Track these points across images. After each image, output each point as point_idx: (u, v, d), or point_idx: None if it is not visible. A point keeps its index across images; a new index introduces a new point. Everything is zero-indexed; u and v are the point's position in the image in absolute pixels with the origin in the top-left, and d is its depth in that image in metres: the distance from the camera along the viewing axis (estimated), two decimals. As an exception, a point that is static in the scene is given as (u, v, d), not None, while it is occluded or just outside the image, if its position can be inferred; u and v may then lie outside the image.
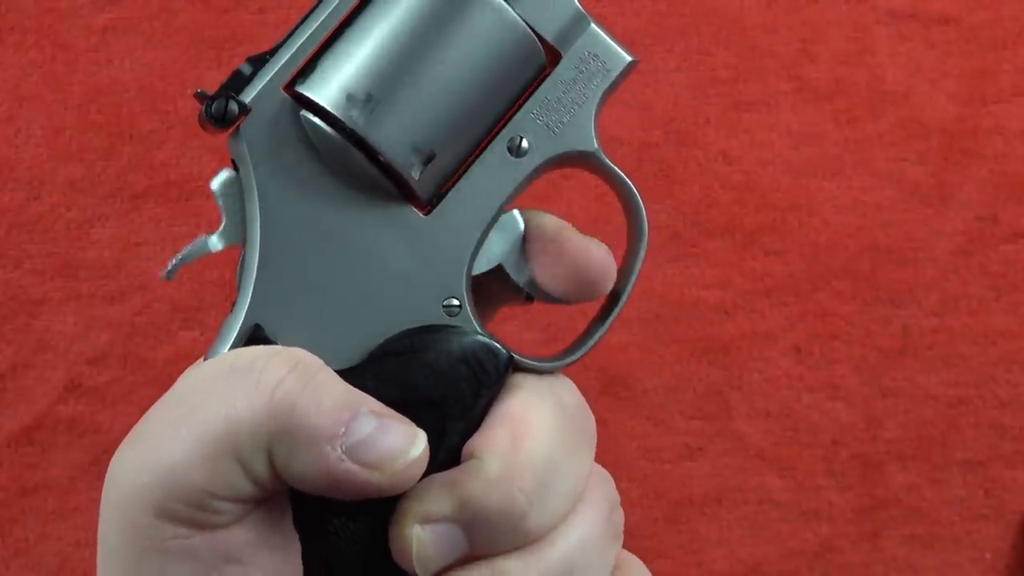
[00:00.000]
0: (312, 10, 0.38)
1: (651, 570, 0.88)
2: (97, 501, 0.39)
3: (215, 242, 0.38)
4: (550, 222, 0.42)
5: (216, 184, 0.38)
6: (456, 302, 0.39)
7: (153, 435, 0.36)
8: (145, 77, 0.88)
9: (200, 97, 0.37)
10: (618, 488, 0.86)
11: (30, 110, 0.88)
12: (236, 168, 0.38)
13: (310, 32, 0.37)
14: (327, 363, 0.37)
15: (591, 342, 0.42)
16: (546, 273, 0.41)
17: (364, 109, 0.37)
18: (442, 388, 0.38)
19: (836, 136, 0.87)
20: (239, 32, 0.88)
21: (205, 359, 0.38)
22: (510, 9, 0.38)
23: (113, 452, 0.37)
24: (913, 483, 0.85)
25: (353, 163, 0.37)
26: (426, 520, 0.37)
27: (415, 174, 0.38)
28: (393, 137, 0.37)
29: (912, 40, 0.88)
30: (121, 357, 0.85)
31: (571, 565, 0.38)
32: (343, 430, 0.35)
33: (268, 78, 0.37)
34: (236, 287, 0.38)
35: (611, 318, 0.42)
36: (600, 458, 0.86)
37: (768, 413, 0.85)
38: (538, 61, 0.39)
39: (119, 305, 0.85)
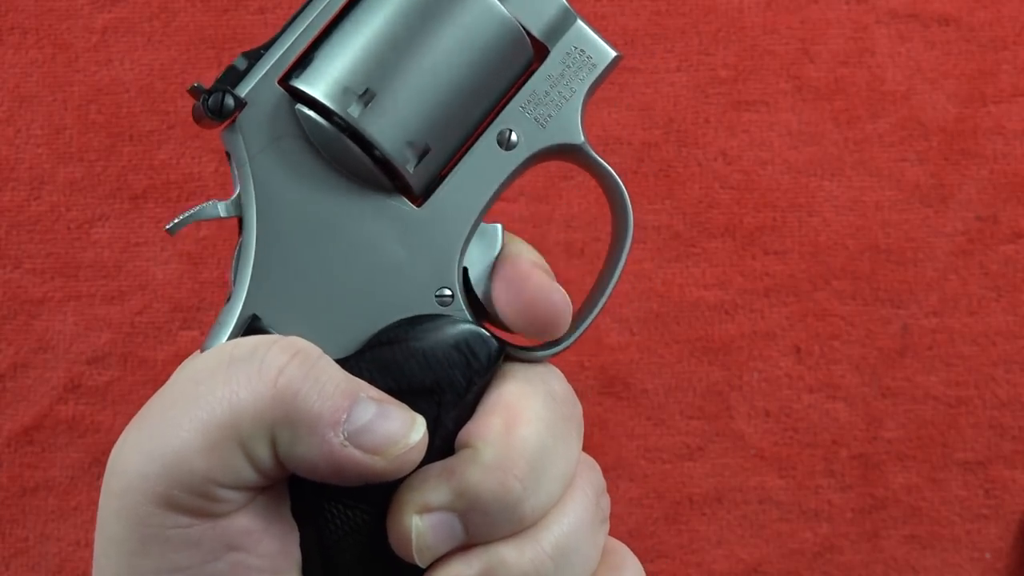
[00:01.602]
0: (305, 5, 0.38)
1: (651, 570, 0.88)
2: (97, 501, 0.39)
3: (221, 209, 0.38)
4: (526, 254, 0.42)
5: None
6: (448, 292, 0.39)
7: (155, 425, 0.37)
8: (145, 77, 0.88)
9: (195, 92, 0.37)
10: (618, 488, 0.86)
11: (30, 110, 0.88)
12: (230, 160, 0.38)
13: (304, 26, 0.38)
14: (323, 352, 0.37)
15: (577, 333, 0.42)
16: (501, 297, 0.41)
17: (360, 103, 0.37)
18: (436, 376, 0.38)
19: (836, 136, 0.87)
20: (239, 32, 0.88)
21: (202, 351, 0.38)
22: (499, 4, 0.39)
23: (113, 452, 0.38)
24: (913, 483, 0.85)
25: (348, 156, 0.38)
26: (424, 510, 0.37)
27: (410, 168, 0.38)
28: (389, 131, 0.38)
29: (912, 40, 0.88)
30: (121, 357, 0.85)
31: (564, 548, 0.39)
32: (344, 416, 0.36)
33: (263, 72, 0.38)
34: (231, 279, 0.38)
35: (596, 311, 0.43)
36: (600, 458, 0.86)
37: (768, 413, 0.85)
38: (526, 55, 0.40)
39: (119, 305, 0.85)
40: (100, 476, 0.85)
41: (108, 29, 0.88)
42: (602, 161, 0.41)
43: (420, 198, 0.39)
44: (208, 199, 0.38)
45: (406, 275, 0.39)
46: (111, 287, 0.86)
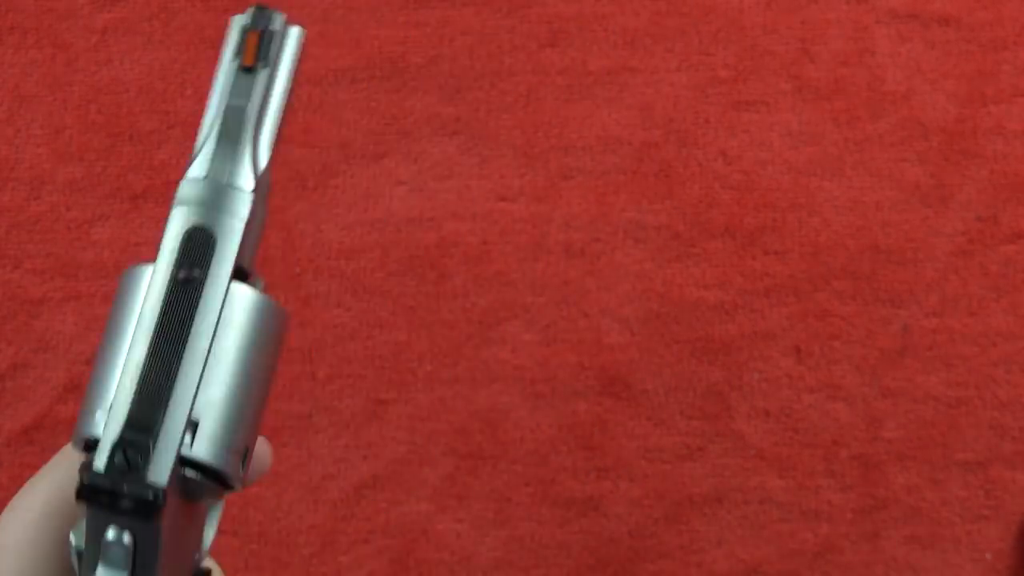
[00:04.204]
0: (170, 375, 0.36)
1: (651, 570, 0.88)
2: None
3: None
4: None
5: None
6: (198, 555, 0.40)
7: None
8: (145, 77, 0.88)
9: (119, 495, 0.35)
10: (618, 488, 0.86)
11: (30, 110, 0.88)
12: (136, 538, 0.36)
13: (191, 394, 0.36)
14: None
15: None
16: None
17: (244, 463, 0.37)
18: None
19: (836, 136, 0.87)
20: (239, 32, 0.88)
21: None
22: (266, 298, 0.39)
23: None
24: (913, 483, 0.85)
25: (207, 496, 0.38)
26: None
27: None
28: (247, 469, 0.38)
29: (912, 40, 0.88)
30: (121, 357, 0.85)
31: None
32: None
33: (174, 454, 0.36)
34: None
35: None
36: (600, 458, 0.86)
37: (768, 413, 0.85)
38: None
39: (119, 305, 0.85)
40: (100, 476, 0.85)
41: (108, 29, 0.88)
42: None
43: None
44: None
45: (192, 557, 0.40)
46: (111, 287, 0.86)
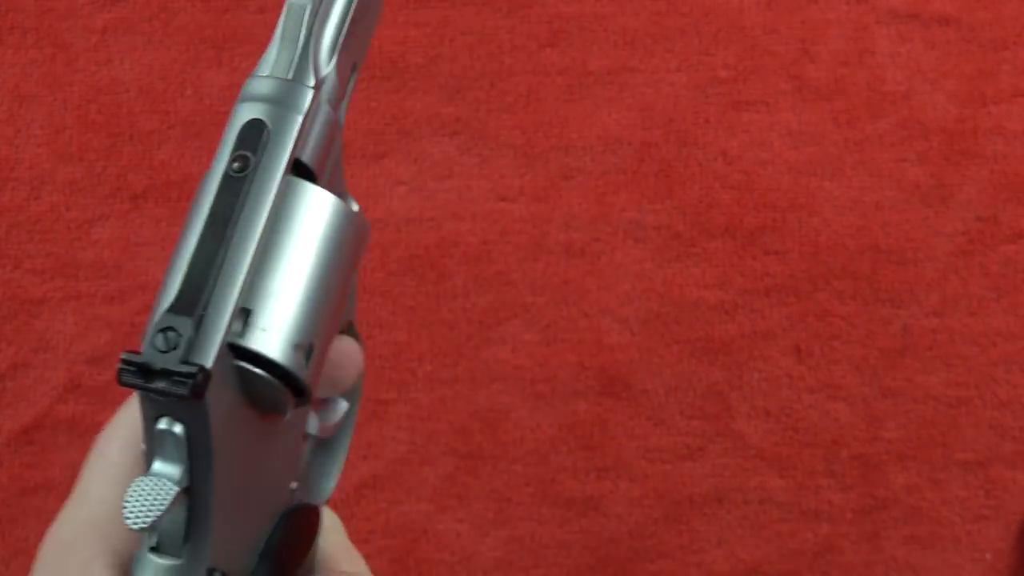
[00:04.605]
0: (221, 250, 0.36)
1: (651, 570, 0.88)
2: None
3: (173, 488, 0.35)
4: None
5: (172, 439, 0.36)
6: (295, 485, 0.40)
7: None
8: (145, 77, 0.88)
9: (149, 373, 0.34)
10: (618, 488, 0.86)
11: (30, 110, 0.88)
12: (187, 427, 0.35)
13: (239, 279, 0.35)
14: None
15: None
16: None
17: (308, 360, 0.36)
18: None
19: (836, 136, 0.87)
20: (239, 32, 0.88)
21: None
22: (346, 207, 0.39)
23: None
24: (913, 483, 0.85)
25: (275, 400, 0.36)
26: None
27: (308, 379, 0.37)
28: (316, 371, 0.37)
29: (912, 40, 0.88)
30: (121, 357, 0.85)
31: None
32: None
33: (219, 337, 0.34)
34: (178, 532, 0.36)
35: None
36: (600, 458, 0.86)
37: (768, 413, 0.85)
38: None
39: (119, 305, 0.85)
40: (100, 476, 0.85)
41: (108, 29, 0.88)
42: None
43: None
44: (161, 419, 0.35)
45: (281, 485, 0.40)
46: (111, 287, 0.86)
